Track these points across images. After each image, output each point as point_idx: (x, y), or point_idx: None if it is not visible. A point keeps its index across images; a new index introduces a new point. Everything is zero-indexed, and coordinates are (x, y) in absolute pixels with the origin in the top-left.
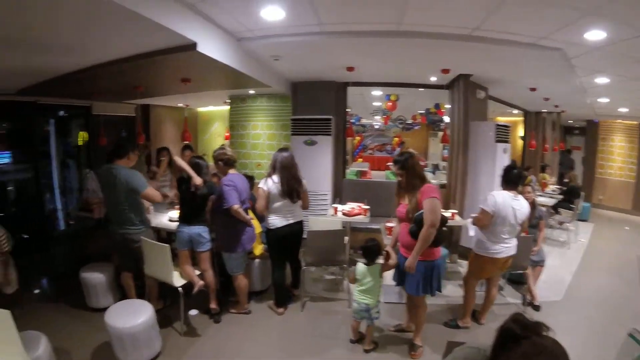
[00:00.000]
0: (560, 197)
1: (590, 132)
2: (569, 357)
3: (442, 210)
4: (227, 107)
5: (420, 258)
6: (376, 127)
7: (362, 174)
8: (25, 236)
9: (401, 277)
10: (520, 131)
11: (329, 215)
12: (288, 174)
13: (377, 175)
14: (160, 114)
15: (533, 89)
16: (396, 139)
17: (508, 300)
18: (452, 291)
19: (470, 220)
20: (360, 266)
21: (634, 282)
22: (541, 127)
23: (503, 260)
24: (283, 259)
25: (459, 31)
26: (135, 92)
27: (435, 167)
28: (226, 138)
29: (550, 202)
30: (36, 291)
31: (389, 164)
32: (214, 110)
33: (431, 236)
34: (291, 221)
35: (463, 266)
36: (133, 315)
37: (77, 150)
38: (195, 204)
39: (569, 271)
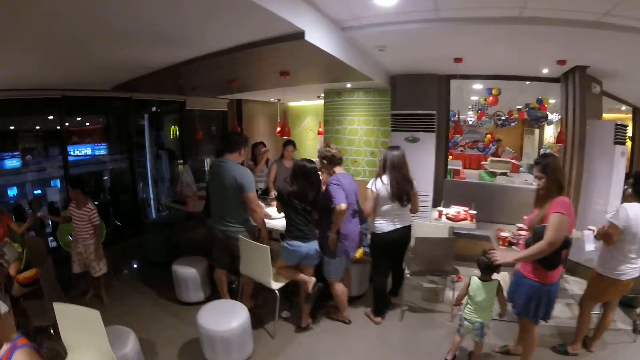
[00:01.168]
0: None
1: None
2: None
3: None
4: (319, 102)
5: (532, 277)
6: (469, 122)
7: (454, 172)
8: (119, 223)
9: (513, 293)
10: (629, 131)
11: (432, 219)
12: (399, 174)
13: (469, 175)
14: (252, 108)
15: None
16: (489, 135)
17: (618, 326)
18: (560, 311)
19: (587, 232)
20: (475, 281)
21: None
22: None
23: (626, 282)
24: (387, 265)
25: (587, 17)
26: (230, 86)
27: (532, 168)
28: (319, 133)
29: None
30: (125, 274)
31: (483, 162)
32: (305, 104)
33: (543, 253)
34: (399, 226)
35: (570, 283)
36: (227, 318)
37: (171, 143)
38: (306, 221)
39: None
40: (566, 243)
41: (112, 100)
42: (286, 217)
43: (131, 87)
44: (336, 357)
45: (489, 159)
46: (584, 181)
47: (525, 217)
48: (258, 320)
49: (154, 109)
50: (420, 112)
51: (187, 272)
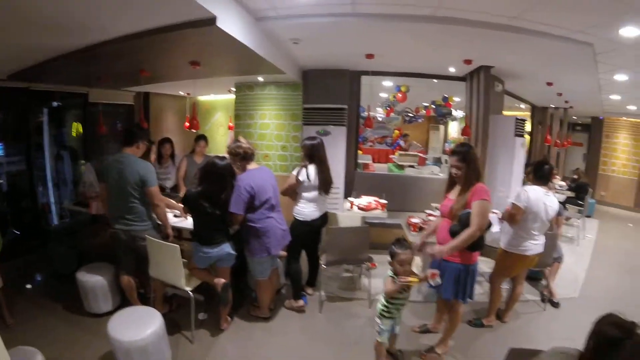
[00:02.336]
0: (569, 193)
1: (594, 128)
2: None
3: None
4: (230, 96)
5: (457, 260)
6: (379, 118)
7: (364, 166)
8: (17, 232)
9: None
10: (527, 126)
11: (344, 210)
12: (324, 164)
13: (379, 168)
14: (160, 102)
15: (550, 84)
16: (397, 131)
17: (527, 298)
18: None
19: (493, 215)
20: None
21: None
22: (548, 123)
23: (532, 257)
24: (300, 250)
25: (498, 20)
26: (138, 77)
27: (438, 161)
28: (230, 128)
29: (560, 198)
30: (28, 290)
31: (391, 156)
32: (215, 99)
33: (474, 238)
34: (322, 212)
35: (479, 262)
36: (139, 326)
37: (74, 141)
38: (215, 224)
39: (581, 268)
40: (488, 226)
41: (7, 91)
42: (194, 220)
43: (29, 76)
44: (261, 355)
45: (397, 153)
46: (487, 170)
47: (435, 205)
48: (174, 325)
49: (55, 103)
50: (331, 106)
51: (94, 281)
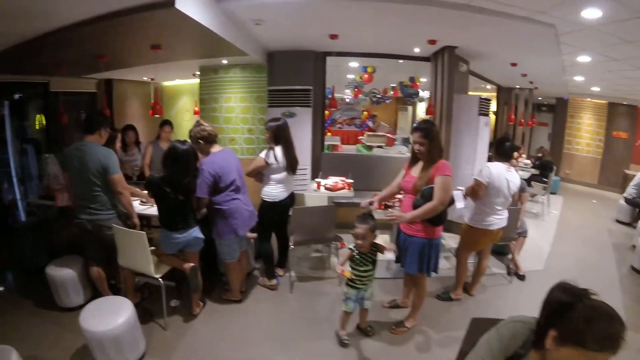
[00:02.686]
0: (534, 170)
1: (559, 109)
2: (620, 316)
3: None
4: (195, 81)
5: (421, 235)
6: (347, 100)
7: (333, 147)
8: None
9: (401, 255)
10: (493, 106)
11: (311, 190)
12: (291, 145)
13: (348, 149)
14: (124, 89)
15: (514, 64)
16: (365, 112)
17: (494, 271)
18: (440, 264)
19: (457, 192)
20: (351, 247)
21: (606, 251)
22: (514, 103)
23: (496, 232)
24: (271, 231)
25: None
26: (99, 63)
27: (406, 141)
28: (195, 113)
29: (524, 175)
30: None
31: (360, 137)
32: (180, 84)
33: (436, 212)
34: (290, 192)
35: (446, 239)
36: (112, 316)
37: (37, 134)
38: (181, 209)
39: (546, 242)
40: (451, 201)
41: None
42: (158, 207)
43: None
44: (234, 337)
45: (365, 134)
46: (452, 148)
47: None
48: (148, 314)
49: (16, 96)
50: (296, 87)
51: (63, 275)
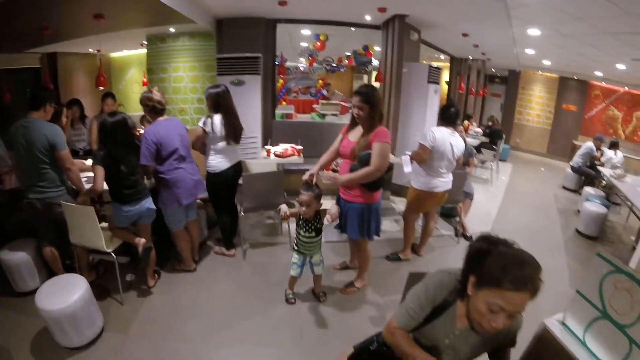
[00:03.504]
0: (484, 138)
1: (511, 81)
2: (536, 260)
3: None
4: (143, 51)
5: (360, 200)
6: (301, 69)
7: (287, 116)
8: None
9: (342, 221)
10: (446, 76)
11: (261, 158)
12: (232, 112)
13: (302, 118)
14: (69, 62)
15: (465, 35)
16: (320, 81)
17: (442, 233)
18: (389, 227)
19: (404, 157)
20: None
21: (552, 215)
22: (466, 73)
23: (441, 194)
24: (225, 202)
25: None
26: (41, 35)
27: None
28: (144, 84)
29: (475, 142)
30: None
31: (314, 106)
32: (129, 54)
33: (372, 177)
34: (233, 162)
35: (396, 203)
36: (66, 293)
37: None
38: (128, 181)
39: (494, 205)
40: (389, 167)
41: None
42: (106, 181)
43: None
44: (192, 307)
45: (320, 102)
46: (402, 116)
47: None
48: (104, 290)
49: None
50: (246, 55)
51: (17, 258)
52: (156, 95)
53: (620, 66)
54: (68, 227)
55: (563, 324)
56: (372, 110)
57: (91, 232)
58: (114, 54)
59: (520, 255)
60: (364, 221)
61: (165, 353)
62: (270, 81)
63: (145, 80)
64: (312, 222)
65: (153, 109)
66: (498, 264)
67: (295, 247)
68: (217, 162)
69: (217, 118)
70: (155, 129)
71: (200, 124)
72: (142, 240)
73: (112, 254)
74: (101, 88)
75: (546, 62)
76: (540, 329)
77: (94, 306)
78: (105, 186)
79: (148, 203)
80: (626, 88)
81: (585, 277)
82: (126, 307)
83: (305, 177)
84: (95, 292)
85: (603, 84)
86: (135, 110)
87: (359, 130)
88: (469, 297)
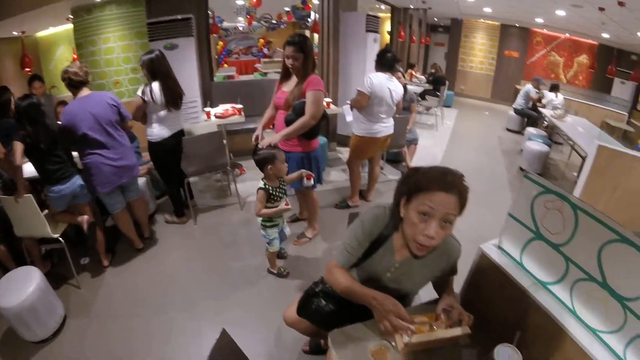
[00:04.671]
0: (427, 86)
1: (454, 29)
2: (462, 175)
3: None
4: (71, 26)
5: (298, 149)
6: (240, 29)
7: (229, 78)
8: None
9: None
10: (388, 26)
11: (202, 120)
12: (169, 78)
13: (244, 79)
14: None
15: None
16: (261, 40)
17: (389, 178)
18: (336, 176)
19: (346, 106)
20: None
21: (497, 156)
22: (408, 23)
23: (382, 139)
24: (171, 170)
25: None
26: None
27: None
28: (74, 60)
29: (418, 89)
30: None
31: (256, 65)
32: (55, 32)
33: (308, 126)
34: (175, 131)
35: (342, 153)
36: (21, 287)
37: None
38: (52, 161)
39: (440, 149)
40: (324, 115)
41: None
42: (33, 165)
43: None
44: (148, 281)
45: (261, 61)
46: (341, 66)
47: (276, 97)
48: (60, 278)
49: None
50: (177, 17)
51: None
52: (72, 67)
53: (560, 12)
54: (11, 221)
55: (499, 247)
56: (306, 59)
57: (34, 221)
58: (40, 34)
59: (442, 167)
60: (316, 168)
61: (129, 329)
62: (206, 42)
63: (75, 56)
64: (280, 188)
65: (70, 83)
66: (424, 176)
67: (269, 223)
68: (159, 130)
69: (156, 85)
70: (67, 109)
71: (139, 93)
72: (85, 217)
73: (60, 239)
74: (28, 70)
75: (487, 10)
76: (477, 255)
77: (52, 295)
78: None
79: (79, 180)
80: (567, 35)
81: (516, 200)
82: (84, 291)
83: (253, 141)
84: (51, 281)
85: (545, 31)
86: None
87: (293, 81)
88: (402, 221)
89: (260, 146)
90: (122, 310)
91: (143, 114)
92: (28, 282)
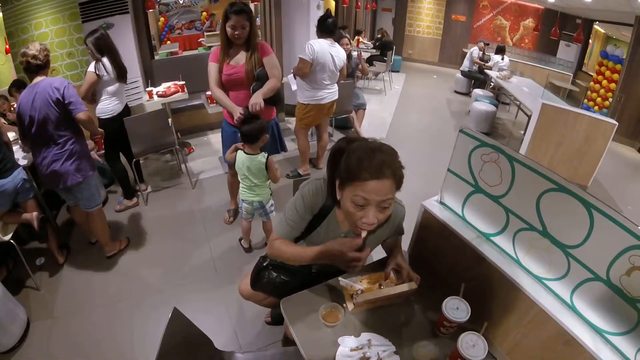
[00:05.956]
0: (374, 51)
1: None
2: (390, 146)
3: None
4: (0, 14)
5: (273, 116)
6: (181, 2)
7: (172, 54)
8: None
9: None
10: None
11: (144, 100)
12: (116, 52)
13: (188, 54)
14: None
15: None
16: (205, 13)
17: None
18: (288, 146)
19: (290, 75)
20: (241, 156)
21: (445, 117)
22: None
23: (328, 105)
24: (120, 148)
25: None
26: None
27: None
28: (7, 52)
29: (365, 55)
30: None
31: (200, 40)
32: None
33: (276, 89)
34: (125, 104)
35: (292, 123)
36: None
37: None
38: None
39: (388, 113)
40: None
41: None
42: None
43: None
44: (107, 271)
45: (204, 35)
46: (284, 34)
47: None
48: (18, 282)
49: None
50: None
51: None
52: (30, 49)
53: None
54: None
55: (441, 202)
56: (252, 26)
57: None
58: None
59: (372, 145)
60: (276, 136)
61: (92, 324)
62: (143, 18)
63: (7, 46)
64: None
65: (27, 67)
66: (352, 159)
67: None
68: (114, 105)
69: (106, 60)
70: (20, 96)
71: (91, 69)
72: (34, 213)
73: (12, 241)
74: None
75: None
76: (421, 212)
77: (12, 301)
78: None
79: (22, 174)
80: None
81: (454, 155)
82: (44, 292)
83: (239, 116)
84: (9, 287)
85: None
86: (5, 85)
87: (239, 54)
88: (340, 202)
89: (252, 110)
90: (82, 306)
91: (92, 92)
92: None
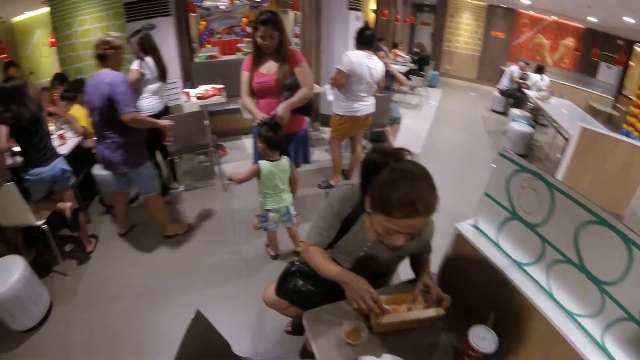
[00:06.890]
0: (412, 65)
1: (439, 9)
2: (429, 174)
3: None
4: (47, 9)
5: (305, 126)
6: (222, 8)
7: (211, 58)
8: None
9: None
10: (373, 5)
11: (182, 101)
12: (158, 52)
13: (228, 59)
14: None
15: None
16: (245, 19)
17: None
18: (320, 156)
19: (327, 85)
20: (265, 165)
21: (481, 136)
22: (392, 1)
23: (363, 118)
24: (153, 149)
25: None
26: None
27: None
28: (52, 45)
29: (403, 69)
30: None
31: (239, 45)
32: (31, 16)
33: (308, 98)
34: (164, 105)
35: (326, 133)
36: (5, 276)
37: None
38: (40, 137)
39: (424, 128)
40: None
41: None
42: (20, 145)
43: None
44: (133, 266)
45: (244, 41)
46: (323, 44)
47: (257, 82)
48: (45, 266)
49: None
50: None
51: None
52: (104, 37)
53: None
54: None
55: (475, 227)
56: (282, 35)
57: (17, 209)
58: (17, 18)
59: (408, 173)
60: (305, 147)
61: (115, 316)
62: (185, 21)
63: (52, 40)
64: None
65: (95, 55)
66: (388, 192)
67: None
68: (155, 103)
69: (149, 59)
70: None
71: (135, 67)
72: (68, 204)
73: (44, 226)
74: (4, 56)
75: None
76: (454, 234)
77: (37, 283)
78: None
79: (61, 163)
80: (554, 17)
81: (491, 178)
82: (69, 278)
83: (260, 121)
84: (36, 269)
85: (531, 12)
86: (47, 77)
87: (269, 62)
88: (369, 214)
89: (279, 116)
90: (105, 297)
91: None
92: (12, 271)
